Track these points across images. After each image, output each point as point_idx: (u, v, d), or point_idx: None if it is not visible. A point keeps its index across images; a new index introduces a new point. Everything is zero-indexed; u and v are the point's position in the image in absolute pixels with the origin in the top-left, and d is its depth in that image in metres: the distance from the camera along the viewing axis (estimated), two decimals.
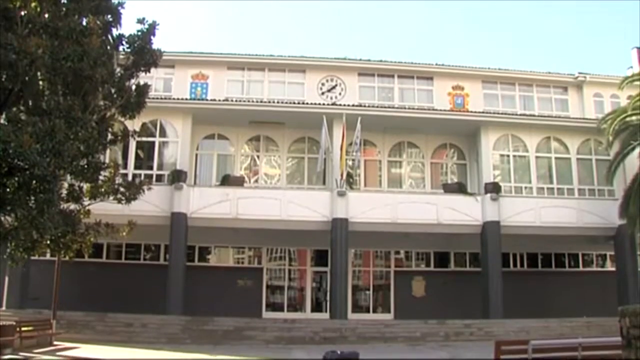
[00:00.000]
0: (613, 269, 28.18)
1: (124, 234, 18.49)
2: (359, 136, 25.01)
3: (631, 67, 30.52)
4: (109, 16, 16.71)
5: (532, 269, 29.95)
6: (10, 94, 14.58)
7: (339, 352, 7.77)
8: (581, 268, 30.53)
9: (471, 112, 28.71)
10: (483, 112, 28.21)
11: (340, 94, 30.09)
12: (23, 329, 18.03)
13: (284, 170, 28.54)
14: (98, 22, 15.48)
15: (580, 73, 31.19)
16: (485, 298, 25.14)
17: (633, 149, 24.86)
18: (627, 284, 25.76)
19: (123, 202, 18.07)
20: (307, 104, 27.66)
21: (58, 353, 17.39)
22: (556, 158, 27.62)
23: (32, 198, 13.81)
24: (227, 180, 26.48)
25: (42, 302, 22.79)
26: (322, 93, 30.05)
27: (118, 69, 17.27)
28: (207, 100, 27.80)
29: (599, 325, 23.43)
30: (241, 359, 16.57)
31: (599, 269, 30.78)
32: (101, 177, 17.68)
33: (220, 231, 25.70)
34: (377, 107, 27.96)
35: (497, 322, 24.18)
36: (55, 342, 19.53)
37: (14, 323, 17.83)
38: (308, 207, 25.32)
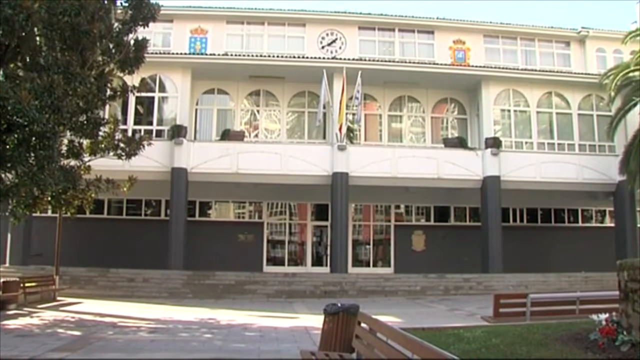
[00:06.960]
0: (612, 224, 28.35)
1: (125, 189, 18.48)
2: (360, 90, 24.86)
3: (635, 22, 29.96)
4: None
5: (531, 224, 30.10)
6: (7, 50, 14.39)
7: (339, 305, 7.81)
8: (580, 223, 30.69)
9: (472, 66, 28.42)
10: (484, 67, 27.94)
11: (340, 47, 29.78)
12: (27, 284, 18.18)
13: (284, 124, 28.46)
14: None
15: (583, 28, 30.74)
16: (485, 252, 25.35)
17: (635, 104, 24.72)
18: (625, 239, 26.00)
19: (123, 157, 18.01)
20: (307, 58, 27.47)
21: (62, 308, 17.54)
22: (557, 113, 27.55)
23: (32, 155, 13.77)
24: (227, 135, 26.45)
25: (44, 259, 23.04)
26: (322, 47, 29.75)
27: (116, 24, 17.05)
28: (206, 54, 27.46)
29: (597, 280, 23.71)
30: (242, 313, 16.72)
31: (598, 224, 30.95)
32: (101, 133, 17.59)
33: (221, 186, 25.81)
34: (378, 61, 27.60)
35: (496, 276, 24.48)
36: (58, 298, 19.76)
37: (18, 279, 17.99)
38: (308, 161, 25.35)
